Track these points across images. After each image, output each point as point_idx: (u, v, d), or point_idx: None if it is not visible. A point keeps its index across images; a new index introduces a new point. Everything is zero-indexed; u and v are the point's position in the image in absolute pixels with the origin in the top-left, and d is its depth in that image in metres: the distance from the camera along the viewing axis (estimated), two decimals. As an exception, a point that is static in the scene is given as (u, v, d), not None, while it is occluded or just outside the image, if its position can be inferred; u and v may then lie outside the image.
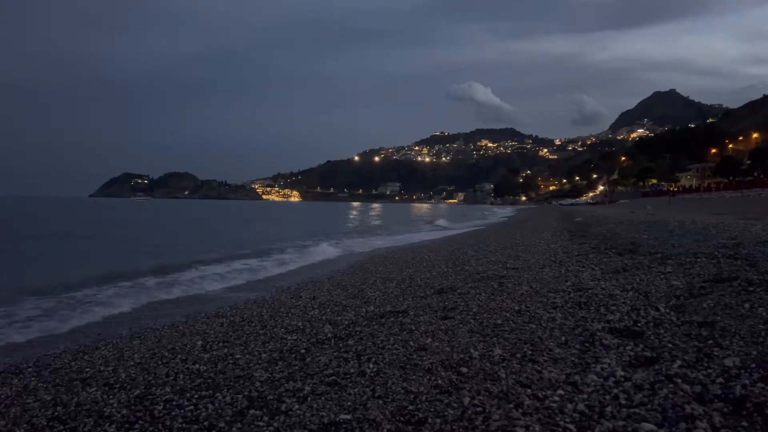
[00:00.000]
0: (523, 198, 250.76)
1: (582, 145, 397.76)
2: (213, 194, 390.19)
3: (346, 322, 5.42)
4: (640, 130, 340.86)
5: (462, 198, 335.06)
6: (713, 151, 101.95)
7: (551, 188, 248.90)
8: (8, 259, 16.15)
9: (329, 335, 4.88)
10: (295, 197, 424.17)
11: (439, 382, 3.26)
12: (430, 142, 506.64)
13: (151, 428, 3.10)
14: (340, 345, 4.46)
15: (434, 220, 44.62)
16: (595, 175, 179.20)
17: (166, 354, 4.89)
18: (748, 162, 69.53)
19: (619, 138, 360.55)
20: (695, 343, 3.37)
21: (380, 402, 3.06)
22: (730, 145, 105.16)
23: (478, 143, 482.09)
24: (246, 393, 3.48)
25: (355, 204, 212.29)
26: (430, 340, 4.23)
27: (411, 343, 4.19)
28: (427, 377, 3.36)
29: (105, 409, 3.48)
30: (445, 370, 3.44)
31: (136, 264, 13.61)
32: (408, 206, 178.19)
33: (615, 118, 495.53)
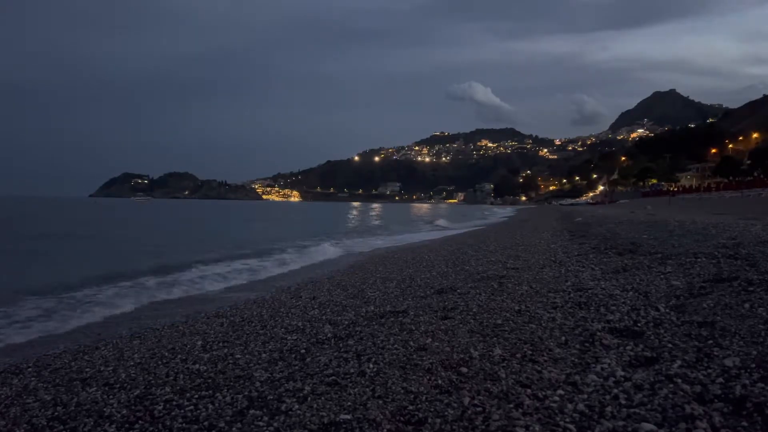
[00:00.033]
0: (523, 198, 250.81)
1: (582, 145, 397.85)
2: (213, 194, 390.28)
3: (346, 322, 5.42)
4: (640, 130, 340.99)
5: (462, 198, 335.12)
6: (713, 151, 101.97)
7: (551, 188, 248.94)
8: (8, 259, 16.15)
9: (329, 335, 4.88)
10: (295, 197, 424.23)
11: (439, 382, 3.26)
12: (430, 142, 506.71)
13: (151, 428, 3.10)
14: (340, 345, 4.46)
15: (434, 220, 44.62)
16: (595, 175, 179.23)
17: (166, 354, 4.88)
18: (748, 162, 69.54)
19: (619, 138, 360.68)
20: (695, 343, 3.37)
21: (380, 402, 3.06)
22: (730, 145, 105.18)
23: (478, 143, 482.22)
24: (246, 393, 3.48)
25: (355, 204, 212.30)
26: (430, 340, 4.22)
27: (411, 343, 4.19)
28: (427, 377, 3.36)
29: (105, 409, 3.48)
30: (445, 370, 3.44)
31: (136, 264, 13.60)
32: (408, 206, 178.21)
33: (615, 118, 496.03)
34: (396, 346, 4.15)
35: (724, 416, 2.40)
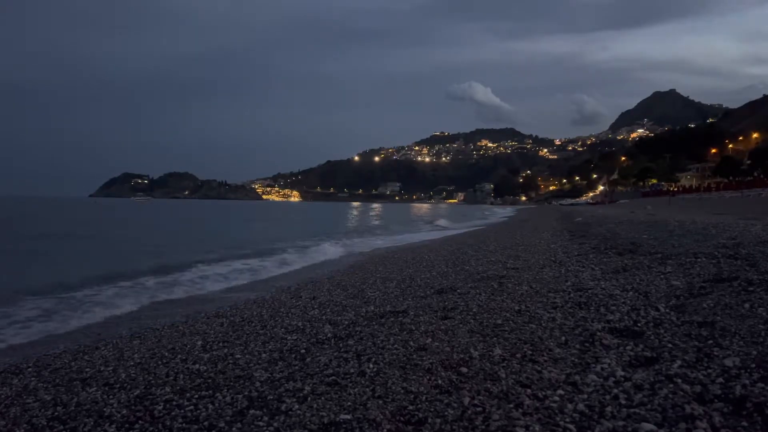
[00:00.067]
0: (523, 198, 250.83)
1: (582, 145, 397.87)
2: (213, 194, 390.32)
3: (346, 322, 5.42)
4: (640, 130, 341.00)
5: (462, 198, 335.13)
6: (713, 151, 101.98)
7: (551, 188, 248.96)
8: (8, 259, 16.15)
9: (329, 335, 4.88)
10: (295, 197, 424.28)
11: (439, 382, 3.26)
12: (430, 142, 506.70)
13: (151, 428, 3.10)
14: (340, 345, 4.46)
15: (434, 220, 44.61)
16: (595, 175, 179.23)
17: (166, 354, 4.88)
18: (748, 162, 69.56)
19: (619, 138, 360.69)
20: (695, 343, 3.37)
21: (380, 402, 3.06)
22: (730, 145, 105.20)
23: (478, 143, 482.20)
24: (246, 393, 3.48)
25: (355, 204, 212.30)
26: (430, 340, 4.22)
27: (411, 343, 4.19)
28: (427, 377, 3.36)
29: (105, 409, 3.48)
30: (445, 370, 3.44)
31: (136, 264, 13.60)
32: (408, 206, 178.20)
33: (615, 118, 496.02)
34: (396, 346, 4.15)
35: (724, 416, 2.40)
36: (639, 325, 3.99)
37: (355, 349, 4.22)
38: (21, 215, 51.29)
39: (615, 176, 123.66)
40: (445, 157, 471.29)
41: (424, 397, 3.05)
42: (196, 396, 3.54)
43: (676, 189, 77.54)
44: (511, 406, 2.81)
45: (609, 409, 2.63)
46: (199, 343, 5.22)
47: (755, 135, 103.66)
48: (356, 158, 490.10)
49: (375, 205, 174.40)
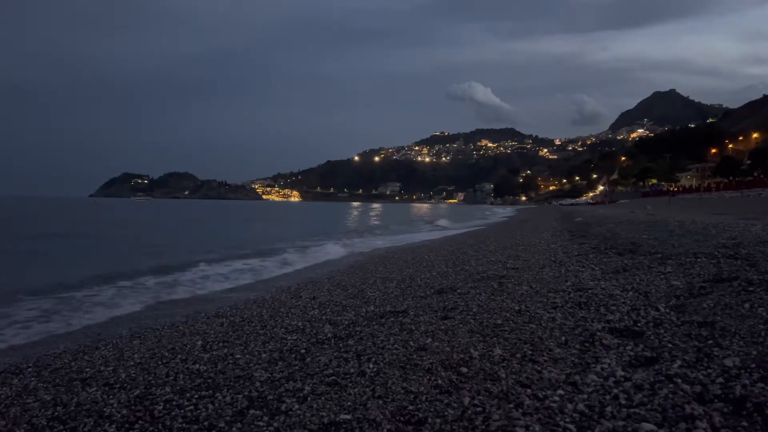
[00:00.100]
0: (523, 198, 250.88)
1: (582, 145, 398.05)
2: (213, 194, 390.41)
3: (346, 322, 5.42)
4: (640, 130, 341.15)
5: (462, 198, 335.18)
6: (713, 151, 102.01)
7: (551, 188, 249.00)
8: (8, 259, 16.15)
9: (329, 335, 4.88)
10: (295, 197, 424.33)
11: (439, 382, 3.26)
12: (430, 142, 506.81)
13: (151, 428, 3.10)
14: (340, 345, 4.46)
15: (434, 220, 44.60)
16: (595, 175, 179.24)
17: (166, 354, 4.88)
18: (748, 162, 69.58)
19: (619, 138, 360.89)
20: (695, 343, 3.37)
21: (380, 402, 3.06)
22: (730, 145, 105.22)
23: (478, 143, 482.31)
24: (246, 393, 3.48)
25: (355, 204, 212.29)
26: (430, 340, 4.22)
27: (411, 343, 4.19)
28: (427, 377, 3.36)
29: (105, 409, 3.48)
30: (445, 370, 3.44)
31: (136, 264, 13.60)
32: (408, 206, 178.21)
33: (615, 118, 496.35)
34: (396, 346, 4.15)
35: (724, 416, 2.40)
36: (639, 325, 3.99)
37: (355, 349, 4.22)
38: (21, 215, 51.29)
39: (615, 176, 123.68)
40: (445, 157, 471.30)
41: (424, 397, 3.05)
42: (196, 396, 3.54)
43: (676, 189, 77.55)
44: (511, 406, 2.81)
45: (609, 409, 2.63)
46: (199, 343, 5.22)
47: (755, 135, 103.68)
48: (356, 158, 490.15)
49: (375, 205, 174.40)
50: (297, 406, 3.14)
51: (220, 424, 3.03)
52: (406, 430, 2.70)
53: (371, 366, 3.71)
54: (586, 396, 2.83)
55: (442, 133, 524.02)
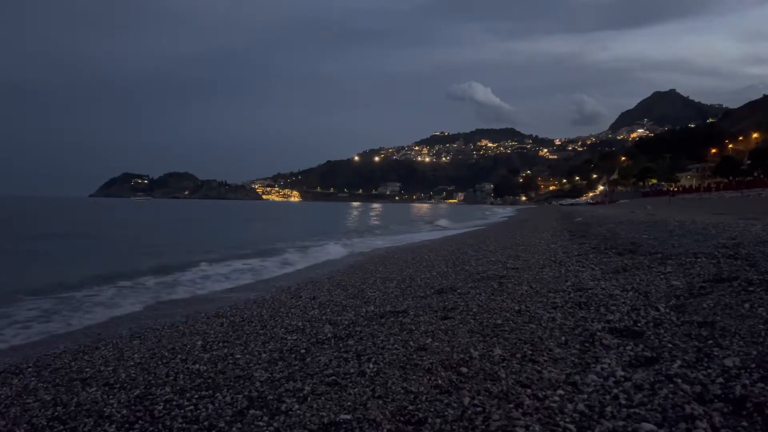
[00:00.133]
0: (523, 198, 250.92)
1: (582, 145, 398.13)
2: (213, 194, 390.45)
3: (346, 322, 5.42)
4: (640, 130, 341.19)
5: (462, 198, 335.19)
6: (713, 151, 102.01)
7: (551, 188, 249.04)
8: (8, 259, 16.15)
9: (329, 335, 4.88)
10: (295, 197, 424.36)
11: (439, 382, 3.26)
12: (430, 142, 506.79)
13: (151, 428, 3.10)
14: (340, 345, 4.46)
15: (434, 220, 44.60)
16: (595, 175, 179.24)
17: (166, 354, 4.88)
18: (748, 162, 69.58)
19: (619, 138, 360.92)
20: (695, 343, 3.37)
21: (380, 402, 3.06)
22: (730, 145, 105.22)
23: (478, 143, 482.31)
24: (246, 393, 3.48)
25: (355, 204, 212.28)
26: (430, 340, 4.22)
27: (411, 343, 4.19)
28: (427, 377, 3.36)
29: (105, 409, 3.48)
30: (445, 370, 3.44)
31: (136, 264, 13.60)
32: (408, 206, 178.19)
33: (615, 118, 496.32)
34: (396, 346, 4.15)
35: (724, 416, 2.40)
36: (639, 325, 3.99)
37: (355, 349, 4.21)
38: (21, 215, 51.29)
39: (615, 176, 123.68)
40: (445, 157, 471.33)
41: (424, 397, 3.05)
42: (196, 396, 3.54)
43: (676, 189, 77.56)
44: (511, 406, 2.81)
45: (609, 409, 2.63)
46: (199, 343, 5.22)
47: (755, 135, 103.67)
48: (356, 158, 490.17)
49: (375, 205, 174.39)
50: (297, 406, 3.14)
51: (220, 424, 3.03)
52: (406, 430, 2.70)
53: (371, 366, 3.71)
54: (586, 396, 2.83)
55: (442, 133, 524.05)
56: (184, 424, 3.08)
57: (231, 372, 4.03)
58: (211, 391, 3.60)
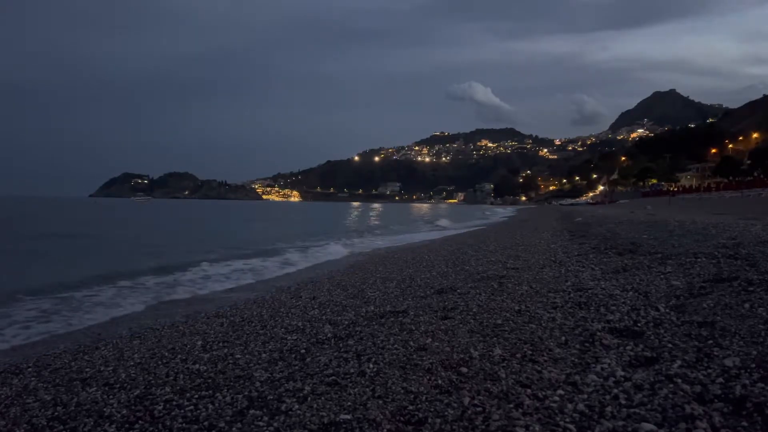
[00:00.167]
0: (523, 198, 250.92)
1: (582, 145, 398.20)
2: (213, 194, 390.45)
3: (346, 322, 5.42)
4: (640, 130, 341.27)
5: (462, 198, 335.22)
6: (713, 151, 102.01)
7: (551, 188, 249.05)
8: (8, 259, 16.15)
9: (329, 335, 4.88)
10: (295, 197, 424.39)
11: (439, 382, 3.26)
12: (430, 142, 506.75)
13: (151, 428, 3.10)
14: (340, 345, 4.46)
15: (434, 220, 44.63)
16: (595, 175, 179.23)
17: (166, 354, 4.88)
18: (748, 162, 69.58)
19: (619, 138, 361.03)
20: (695, 343, 3.37)
21: (380, 402, 3.06)
22: (730, 145, 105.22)
23: (478, 143, 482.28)
24: (246, 393, 3.48)
25: (355, 204, 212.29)
26: (430, 340, 4.22)
27: (411, 343, 4.19)
28: (427, 377, 3.36)
29: (105, 409, 3.48)
30: (445, 370, 3.44)
31: (136, 264, 13.60)
32: (408, 206, 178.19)
33: (615, 118, 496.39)
34: (396, 346, 4.15)
35: (724, 416, 2.40)
36: (639, 325, 3.99)
37: (355, 349, 4.21)
38: (21, 215, 51.29)
39: (615, 176, 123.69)
40: (445, 157, 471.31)
41: (424, 397, 3.05)
42: (196, 396, 3.54)
43: (676, 189, 77.56)
44: (511, 406, 2.81)
45: (609, 409, 2.63)
46: (199, 343, 5.22)
47: (755, 135, 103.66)
48: (356, 158, 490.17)
49: (375, 205, 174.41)
50: (297, 406, 3.14)
51: (220, 424, 3.03)
52: (406, 430, 2.70)
53: (371, 366, 3.71)
54: (586, 396, 2.83)
55: (442, 133, 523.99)
56: (184, 424, 3.08)
57: (231, 372, 4.03)
58: (211, 391, 3.60)
